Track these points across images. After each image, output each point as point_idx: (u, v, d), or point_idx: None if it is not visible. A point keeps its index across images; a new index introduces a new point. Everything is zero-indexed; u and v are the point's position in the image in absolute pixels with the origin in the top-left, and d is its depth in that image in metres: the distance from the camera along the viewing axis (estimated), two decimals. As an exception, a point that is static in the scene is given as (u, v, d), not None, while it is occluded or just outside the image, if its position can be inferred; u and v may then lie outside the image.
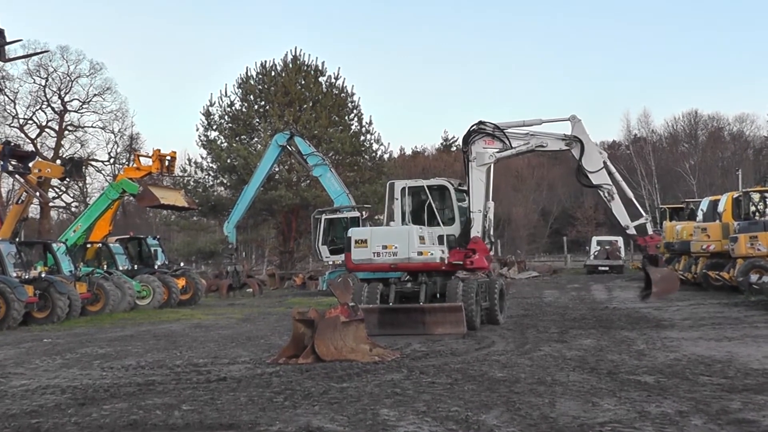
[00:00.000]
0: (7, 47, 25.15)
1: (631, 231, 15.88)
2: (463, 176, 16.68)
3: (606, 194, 15.85)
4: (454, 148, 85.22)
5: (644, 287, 16.17)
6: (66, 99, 55.53)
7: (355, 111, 44.58)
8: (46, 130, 55.76)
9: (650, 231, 15.71)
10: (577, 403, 7.70)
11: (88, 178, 53.53)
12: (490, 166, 15.92)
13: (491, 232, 15.99)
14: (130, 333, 16.77)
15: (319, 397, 8.32)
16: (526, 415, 7.21)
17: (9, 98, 53.53)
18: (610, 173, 15.92)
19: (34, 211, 45.56)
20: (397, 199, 16.18)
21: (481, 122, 16.07)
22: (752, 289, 20.27)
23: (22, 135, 53.26)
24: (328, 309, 11.56)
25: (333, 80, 44.15)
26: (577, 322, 16.33)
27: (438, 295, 15.33)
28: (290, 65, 43.41)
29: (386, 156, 46.23)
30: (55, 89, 54.98)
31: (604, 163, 15.92)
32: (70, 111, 56.03)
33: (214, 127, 43.56)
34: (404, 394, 8.42)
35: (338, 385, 9.04)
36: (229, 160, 41.44)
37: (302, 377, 9.69)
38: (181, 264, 34.21)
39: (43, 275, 20.15)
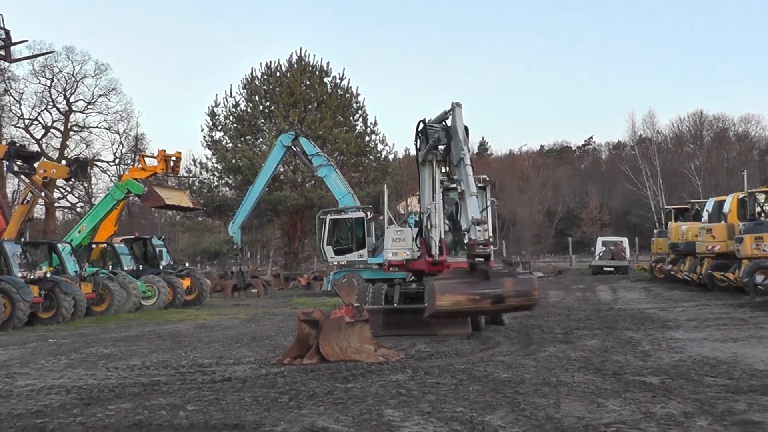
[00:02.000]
0: (12, 48, 25.24)
1: (472, 234, 13.62)
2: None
3: (458, 190, 14.33)
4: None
5: None
6: (71, 99, 55.76)
7: (360, 111, 44.64)
8: (52, 130, 55.94)
9: (482, 236, 13.35)
10: (582, 404, 7.69)
11: (93, 178, 53.90)
12: (431, 165, 15.29)
13: (433, 234, 15.03)
14: (135, 333, 16.79)
15: (324, 398, 8.32)
16: (530, 415, 7.20)
17: (14, 99, 53.76)
18: (464, 168, 14.16)
19: (39, 211, 45.68)
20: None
21: (422, 121, 15.40)
22: (757, 289, 20.25)
23: (28, 135, 53.44)
24: (332, 309, 11.56)
25: (338, 81, 44.24)
26: (582, 322, 16.29)
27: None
28: (295, 66, 43.45)
29: (391, 156, 46.29)
30: (60, 90, 55.22)
31: (462, 157, 14.20)
32: (75, 111, 56.24)
33: (219, 127, 43.67)
34: (409, 394, 8.41)
35: (343, 386, 9.04)
36: (234, 161, 41.49)
37: (307, 378, 9.68)
38: (186, 264, 34.32)
39: (48, 275, 20.20)
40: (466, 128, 14.60)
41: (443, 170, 15.29)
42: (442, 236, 15.20)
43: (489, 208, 16.01)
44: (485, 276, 12.84)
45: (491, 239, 13.52)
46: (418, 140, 15.46)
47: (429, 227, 15.20)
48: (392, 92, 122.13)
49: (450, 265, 14.99)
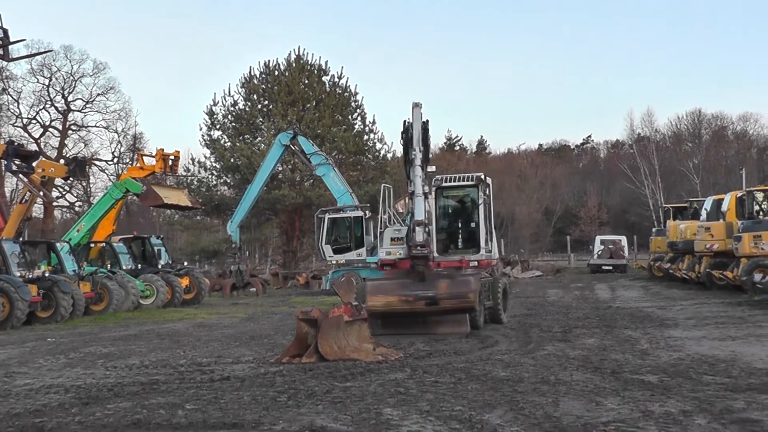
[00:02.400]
0: (10, 47, 25.27)
1: (416, 235, 13.67)
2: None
3: (409, 190, 14.32)
4: (457, 147, 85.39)
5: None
6: (69, 98, 55.67)
7: (358, 110, 44.64)
8: (50, 129, 55.88)
9: (421, 238, 13.31)
10: (581, 403, 7.69)
11: (91, 177, 53.83)
12: (412, 165, 14.90)
13: (409, 233, 14.61)
14: (133, 332, 16.79)
15: (323, 397, 8.32)
16: (529, 414, 7.20)
17: (13, 98, 53.67)
18: (413, 168, 14.20)
19: (37, 210, 45.71)
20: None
21: (405, 121, 15.11)
22: (756, 288, 20.25)
23: (26, 134, 53.37)
24: (331, 308, 11.56)
25: (336, 79, 44.26)
26: (581, 321, 16.30)
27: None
28: (293, 64, 43.44)
29: (389, 155, 46.25)
30: (58, 89, 55.13)
31: (413, 158, 14.10)
32: (73, 110, 56.16)
33: (218, 126, 43.66)
34: (408, 393, 8.41)
35: (342, 385, 9.04)
36: (232, 160, 41.50)
37: (306, 376, 9.69)
38: (185, 263, 34.30)
39: (46, 275, 20.19)
40: (426, 124, 14.48)
41: (429, 169, 15.43)
42: (432, 234, 15.24)
43: (481, 206, 15.76)
44: (421, 277, 12.97)
45: (429, 240, 13.40)
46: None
47: (411, 226, 15.22)
48: (391, 91, 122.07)
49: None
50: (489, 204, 16.32)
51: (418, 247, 13.00)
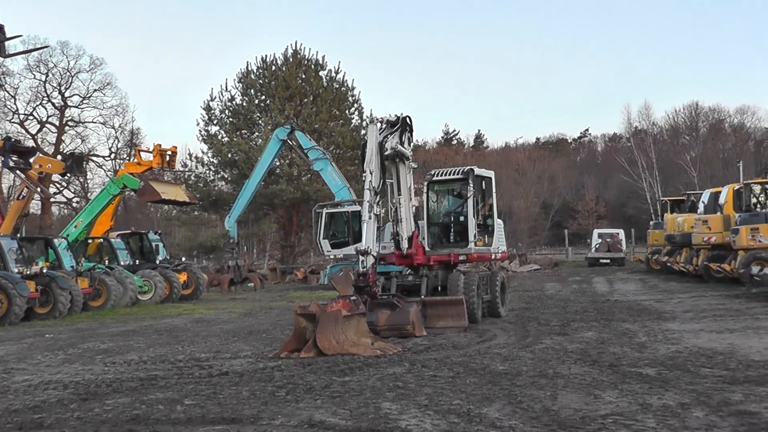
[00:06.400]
0: (7, 43, 25.16)
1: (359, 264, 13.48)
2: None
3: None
4: (455, 142, 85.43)
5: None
6: (66, 94, 55.48)
7: (355, 105, 44.59)
8: (47, 125, 55.73)
9: (362, 267, 13.04)
10: (579, 396, 7.71)
11: (88, 173, 53.70)
12: (394, 162, 15.47)
13: (400, 228, 15.17)
14: (132, 328, 16.78)
15: (321, 391, 8.34)
16: (528, 408, 7.22)
17: (9, 94, 53.48)
18: (364, 192, 14.60)
19: (35, 206, 45.67)
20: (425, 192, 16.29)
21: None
22: (753, 280, 20.29)
23: (23, 131, 53.25)
24: (329, 303, 11.57)
25: (333, 74, 44.15)
26: (579, 314, 16.32)
27: (439, 288, 15.31)
28: (291, 59, 43.35)
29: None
30: (55, 85, 54.94)
31: (363, 180, 14.57)
32: (70, 106, 55.98)
33: (215, 121, 43.57)
34: (406, 387, 8.43)
35: (340, 379, 9.05)
36: (230, 155, 41.43)
37: (304, 371, 9.70)
38: (183, 259, 34.24)
39: (44, 271, 20.16)
40: (408, 120, 14.82)
41: (412, 165, 15.54)
42: (413, 230, 15.28)
43: (470, 200, 15.51)
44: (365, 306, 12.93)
45: (369, 269, 13.09)
46: None
47: (397, 221, 15.24)
48: (388, 85, 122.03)
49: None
50: (484, 198, 16.19)
51: (360, 277, 13.00)
